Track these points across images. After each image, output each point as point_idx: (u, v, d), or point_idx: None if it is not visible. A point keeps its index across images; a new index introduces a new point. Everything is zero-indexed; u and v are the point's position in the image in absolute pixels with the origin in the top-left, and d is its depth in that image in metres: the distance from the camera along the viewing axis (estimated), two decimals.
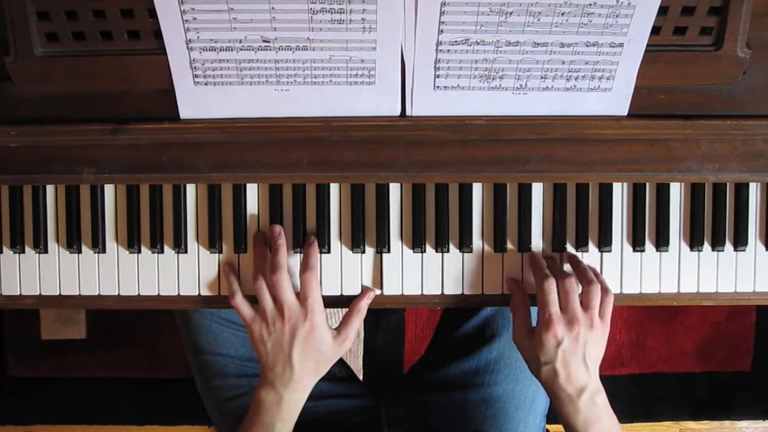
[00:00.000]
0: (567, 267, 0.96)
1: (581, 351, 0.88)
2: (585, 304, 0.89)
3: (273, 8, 0.81)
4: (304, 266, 0.93)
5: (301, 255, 0.96)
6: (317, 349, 0.91)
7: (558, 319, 0.88)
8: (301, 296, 0.91)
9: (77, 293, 0.98)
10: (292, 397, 0.92)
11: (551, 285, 0.89)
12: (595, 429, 0.88)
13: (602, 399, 0.89)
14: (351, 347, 1.71)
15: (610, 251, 0.97)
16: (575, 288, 0.90)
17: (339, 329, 0.94)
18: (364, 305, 0.95)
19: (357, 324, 0.95)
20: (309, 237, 0.96)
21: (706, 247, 0.97)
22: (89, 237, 0.97)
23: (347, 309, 0.96)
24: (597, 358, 0.90)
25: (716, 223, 0.96)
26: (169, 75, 0.86)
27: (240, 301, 0.94)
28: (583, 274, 0.92)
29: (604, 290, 0.91)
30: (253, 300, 0.94)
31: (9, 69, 0.87)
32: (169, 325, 1.68)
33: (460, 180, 0.94)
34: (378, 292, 0.96)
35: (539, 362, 0.89)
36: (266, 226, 0.96)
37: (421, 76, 0.86)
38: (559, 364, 0.88)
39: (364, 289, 0.96)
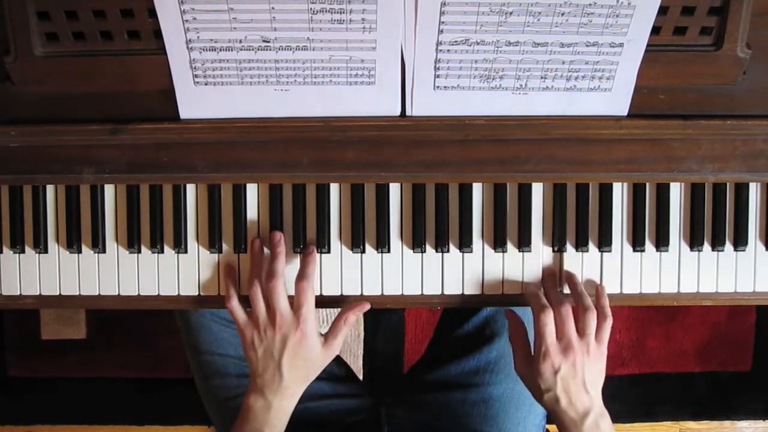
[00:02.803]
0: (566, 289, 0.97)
1: (580, 376, 0.89)
2: (581, 331, 0.90)
3: (273, 8, 0.81)
4: (301, 274, 0.92)
5: (300, 257, 0.96)
6: (306, 358, 0.92)
7: (554, 349, 0.89)
8: (295, 305, 0.91)
9: (77, 293, 0.98)
10: (281, 403, 0.92)
11: (548, 317, 0.90)
12: None
13: (606, 424, 0.90)
14: (351, 347, 1.71)
15: (610, 251, 0.97)
16: (571, 316, 0.91)
17: (327, 337, 0.94)
18: (353, 318, 0.95)
19: (345, 333, 0.95)
20: (308, 246, 0.96)
21: (706, 247, 0.97)
22: (89, 237, 0.97)
23: (338, 308, 0.96)
24: (597, 382, 0.91)
25: (716, 223, 0.96)
26: (169, 75, 0.86)
27: (235, 306, 0.94)
28: (580, 300, 0.92)
29: (602, 315, 0.92)
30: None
31: (9, 69, 0.87)
32: (169, 325, 1.68)
33: (460, 180, 0.94)
34: (368, 306, 0.96)
35: (540, 390, 0.90)
36: (266, 227, 0.96)
37: (421, 76, 0.86)
38: (560, 391, 0.89)
39: (357, 303, 0.96)
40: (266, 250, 0.96)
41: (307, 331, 0.91)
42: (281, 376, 0.91)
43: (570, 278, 0.96)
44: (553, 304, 0.92)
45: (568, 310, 0.91)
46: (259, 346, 0.91)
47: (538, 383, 0.90)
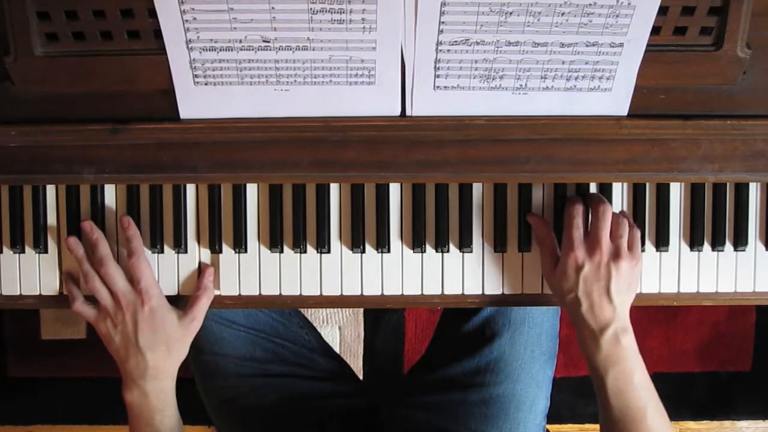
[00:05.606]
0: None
1: (604, 281, 0.85)
2: (612, 234, 0.87)
3: (273, 8, 0.81)
4: (129, 252, 0.92)
5: (302, 255, 0.96)
6: (163, 332, 0.90)
7: (580, 243, 0.87)
8: (134, 281, 0.91)
9: None
10: (155, 385, 0.90)
11: (578, 209, 0.88)
12: (616, 370, 0.85)
13: (628, 339, 0.86)
14: (351, 347, 1.71)
15: None
16: (609, 218, 0.88)
17: (186, 309, 0.93)
18: (208, 283, 0.94)
19: (205, 302, 0.94)
20: (122, 220, 0.94)
21: (706, 247, 0.97)
22: None
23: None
24: (625, 294, 0.87)
25: (716, 223, 0.96)
26: (169, 75, 0.86)
27: (81, 305, 0.93)
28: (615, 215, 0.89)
29: (631, 225, 0.89)
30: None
31: (9, 69, 0.87)
32: None
33: (460, 180, 0.94)
34: (213, 269, 0.95)
35: (563, 291, 0.88)
36: (266, 227, 0.96)
37: (421, 76, 0.86)
38: (581, 293, 0.85)
39: (203, 268, 0.95)
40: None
41: (154, 304, 0.90)
42: (144, 357, 0.90)
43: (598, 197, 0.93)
44: (593, 203, 0.89)
45: (606, 210, 0.87)
46: (115, 334, 0.91)
47: (561, 283, 0.87)
